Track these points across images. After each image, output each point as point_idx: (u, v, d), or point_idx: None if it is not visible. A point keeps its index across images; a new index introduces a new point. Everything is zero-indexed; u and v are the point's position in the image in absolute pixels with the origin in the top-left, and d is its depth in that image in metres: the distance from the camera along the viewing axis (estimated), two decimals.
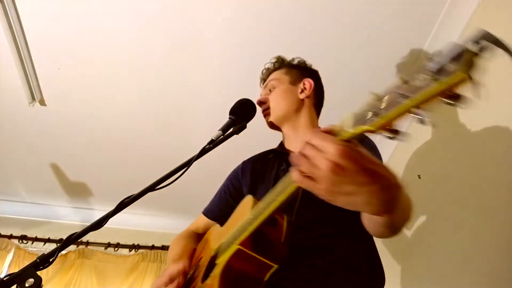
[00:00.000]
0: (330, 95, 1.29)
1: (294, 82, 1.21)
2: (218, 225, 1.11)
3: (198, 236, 1.21)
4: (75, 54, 1.80)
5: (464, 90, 0.37)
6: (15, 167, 2.54)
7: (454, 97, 0.39)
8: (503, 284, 1.16)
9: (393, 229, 0.69)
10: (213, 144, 0.97)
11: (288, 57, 1.30)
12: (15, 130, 2.23)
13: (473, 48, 0.36)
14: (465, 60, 0.36)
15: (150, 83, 1.94)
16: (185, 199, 2.72)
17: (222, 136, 0.99)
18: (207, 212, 1.24)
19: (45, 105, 2.05)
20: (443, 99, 0.39)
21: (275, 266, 0.76)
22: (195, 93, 1.99)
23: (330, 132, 0.52)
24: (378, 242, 1.00)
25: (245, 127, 1.02)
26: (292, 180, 0.56)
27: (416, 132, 1.92)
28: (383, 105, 0.43)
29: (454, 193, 1.50)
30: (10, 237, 2.70)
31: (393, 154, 2.14)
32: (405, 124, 1.73)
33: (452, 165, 1.54)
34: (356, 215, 0.79)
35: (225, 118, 1.01)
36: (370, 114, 0.45)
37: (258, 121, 1.14)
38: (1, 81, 1.93)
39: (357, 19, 1.64)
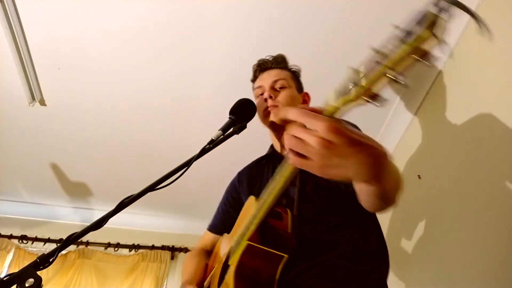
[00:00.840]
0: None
1: (299, 91, 1.22)
2: (225, 235, 1.12)
3: (207, 253, 1.24)
4: (75, 54, 1.80)
5: (431, 48, 0.43)
6: (15, 167, 2.54)
7: (423, 55, 0.43)
8: (504, 284, 1.16)
9: (385, 199, 0.69)
10: (213, 144, 0.97)
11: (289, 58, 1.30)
12: (15, 130, 2.23)
13: (434, 10, 0.41)
14: (428, 21, 0.41)
15: (150, 83, 1.94)
16: (185, 199, 2.73)
17: (222, 136, 0.99)
18: (211, 228, 1.27)
19: (45, 105, 2.05)
20: (414, 57, 0.42)
21: (286, 256, 0.77)
22: (195, 93, 1.99)
23: (315, 110, 0.55)
24: None
25: (245, 127, 1.02)
26: (288, 163, 0.59)
27: (416, 132, 1.92)
28: (361, 75, 0.47)
29: (454, 193, 1.50)
30: (10, 237, 2.70)
31: (393, 154, 2.14)
32: (404, 125, 1.72)
33: (452, 165, 1.54)
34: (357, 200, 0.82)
35: (225, 118, 1.01)
36: (350, 85, 0.49)
37: (258, 121, 1.15)
38: (1, 81, 1.93)
39: (356, 20, 1.64)
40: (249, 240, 0.78)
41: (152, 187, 0.88)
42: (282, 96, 1.13)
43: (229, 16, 1.65)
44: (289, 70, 1.24)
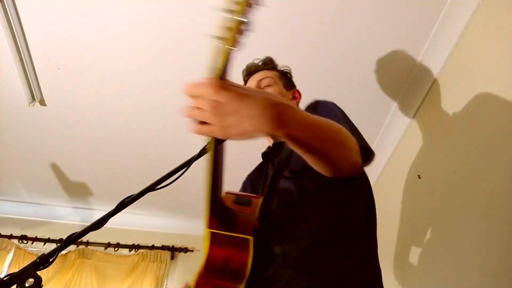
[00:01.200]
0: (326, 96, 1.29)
1: (287, 89, 1.24)
2: None
3: None
4: (75, 54, 1.80)
5: None
6: (15, 167, 2.54)
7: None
8: (504, 284, 1.16)
9: (315, 151, 0.69)
10: None
11: (283, 59, 1.31)
12: (15, 130, 2.23)
13: None
14: None
15: (150, 83, 1.94)
16: (185, 199, 2.72)
17: None
18: None
19: (45, 105, 2.05)
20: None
21: (250, 238, 0.76)
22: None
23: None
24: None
25: None
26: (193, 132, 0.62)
27: (416, 132, 1.92)
28: (223, 31, 0.53)
29: (454, 193, 1.50)
30: (10, 237, 2.70)
31: (393, 154, 2.14)
32: (404, 125, 1.72)
33: (452, 165, 1.54)
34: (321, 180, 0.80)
35: None
36: (219, 43, 0.54)
37: None
38: (1, 81, 1.93)
39: (355, 16, 1.64)
40: (209, 228, 0.78)
41: (152, 187, 0.88)
42: None
43: None
44: (276, 70, 1.27)
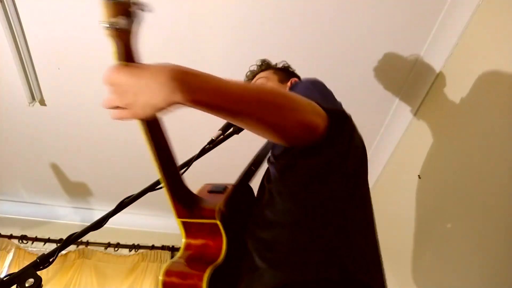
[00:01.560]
0: None
1: (283, 81, 1.23)
2: None
3: None
4: (75, 54, 1.80)
5: None
6: (15, 167, 2.54)
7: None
8: (504, 284, 1.16)
9: (241, 115, 0.66)
10: (213, 144, 0.97)
11: (284, 59, 1.32)
12: (15, 130, 2.23)
13: None
14: None
15: None
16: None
17: (222, 136, 0.99)
18: None
19: (45, 105, 2.05)
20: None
21: (217, 222, 0.75)
22: None
23: None
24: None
25: None
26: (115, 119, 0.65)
27: (416, 132, 1.92)
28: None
29: (454, 193, 1.50)
30: (10, 237, 2.70)
31: (393, 154, 2.14)
32: (404, 125, 1.71)
33: (452, 165, 1.54)
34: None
35: None
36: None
37: None
38: (1, 81, 1.93)
39: (355, 15, 1.64)
40: (178, 218, 0.78)
41: (152, 187, 0.88)
42: None
43: (229, 15, 1.64)
44: (271, 67, 1.28)
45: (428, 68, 1.77)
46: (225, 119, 0.68)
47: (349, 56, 1.78)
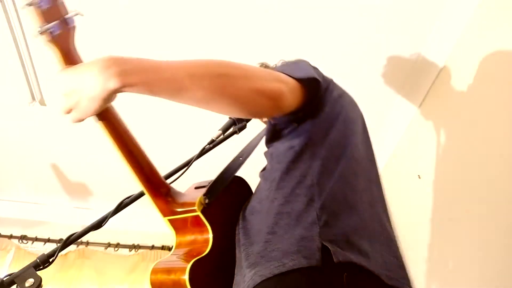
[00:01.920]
0: None
1: None
2: None
3: None
4: None
5: None
6: (15, 167, 2.54)
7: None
8: (504, 284, 1.16)
9: (177, 91, 0.65)
10: (213, 144, 0.97)
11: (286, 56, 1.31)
12: (15, 130, 2.23)
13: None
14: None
15: None
16: None
17: (222, 136, 0.99)
18: None
19: (45, 105, 2.05)
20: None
21: (197, 213, 0.74)
22: None
23: None
24: None
25: (245, 127, 1.02)
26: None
27: (416, 132, 1.92)
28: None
29: (454, 193, 1.49)
30: (10, 237, 2.70)
31: (393, 154, 2.14)
32: (404, 125, 1.71)
33: (452, 165, 1.54)
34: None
35: (225, 118, 1.01)
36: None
37: (258, 120, 1.14)
38: (1, 81, 1.93)
39: (357, 9, 1.63)
40: (164, 216, 0.78)
41: None
42: None
43: (229, 16, 1.64)
44: (269, 68, 1.27)
45: (428, 67, 1.77)
46: (174, 100, 0.66)
47: (350, 51, 1.77)
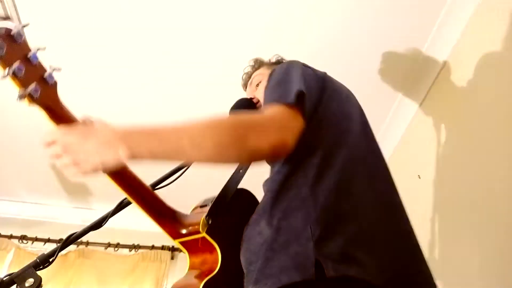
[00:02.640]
0: None
1: None
2: None
3: None
4: (75, 54, 1.80)
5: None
6: (15, 167, 2.54)
7: None
8: (504, 284, 1.16)
9: (186, 157, 0.71)
10: None
11: (288, 54, 1.30)
12: (15, 130, 2.23)
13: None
14: None
15: (150, 82, 1.94)
16: (185, 199, 2.72)
17: None
18: None
19: None
20: None
21: (203, 234, 0.76)
22: (194, 93, 1.99)
23: None
24: None
25: None
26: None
27: (416, 132, 1.92)
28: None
29: (454, 193, 1.49)
30: (10, 237, 2.70)
31: (393, 154, 2.14)
32: (404, 125, 1.70)
33: (452, 165, 1.54)
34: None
35: None
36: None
37: None
38: (1, 81, 1.92)
39: (360, 6, 1.62)
40: (174, 239, 0.80)
41: (152, 187, 0.88)
42: (258, 92, 1.14)
43: (228, 16, 1.65)
44: (261, 66, 1.27)
45: (428, 66, 1.77)
46: (185, 161, 0.72)
47: (352, 49, 1.77)
